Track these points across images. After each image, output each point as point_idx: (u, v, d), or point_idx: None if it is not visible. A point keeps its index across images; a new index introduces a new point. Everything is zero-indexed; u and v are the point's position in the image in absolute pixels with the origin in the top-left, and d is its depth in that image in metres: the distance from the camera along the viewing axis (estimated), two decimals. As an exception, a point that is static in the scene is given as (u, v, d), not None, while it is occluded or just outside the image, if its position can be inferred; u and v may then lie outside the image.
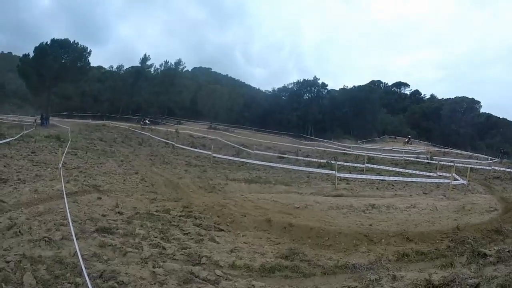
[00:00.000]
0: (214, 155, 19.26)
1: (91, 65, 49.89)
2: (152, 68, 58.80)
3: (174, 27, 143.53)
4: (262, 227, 7.52)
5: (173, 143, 24.91)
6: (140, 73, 57.04)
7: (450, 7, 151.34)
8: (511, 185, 15.54)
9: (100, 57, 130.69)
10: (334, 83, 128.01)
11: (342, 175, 14.33)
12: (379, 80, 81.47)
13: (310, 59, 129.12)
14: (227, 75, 78.62)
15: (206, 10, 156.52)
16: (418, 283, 4.89)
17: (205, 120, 55.07)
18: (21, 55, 45.83)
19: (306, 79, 64.31)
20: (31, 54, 43.42)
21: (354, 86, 67.37)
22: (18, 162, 12.08)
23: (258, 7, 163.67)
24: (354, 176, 14.79)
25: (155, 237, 6.21)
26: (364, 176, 14.92)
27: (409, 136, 51.15)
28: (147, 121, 42.92)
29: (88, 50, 45.94)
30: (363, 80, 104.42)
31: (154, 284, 4.51)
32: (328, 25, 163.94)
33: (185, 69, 62.47)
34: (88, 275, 4.03)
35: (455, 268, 5.55)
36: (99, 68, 62.01)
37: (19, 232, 5.74)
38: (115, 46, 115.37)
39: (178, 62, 59.19)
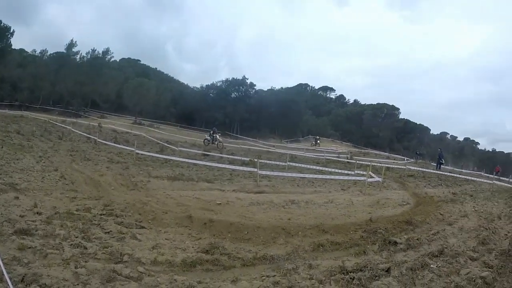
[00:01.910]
0: (138, 151, 18.47)
1: (13, 47, 44.61)
2: (78, 56, 53.92)
3: (107, 13, 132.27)
4: (184, 224, 7.51)
5: (95, 138, 23.50)
6: (64, 60, 51.88)
7: (382, 20, 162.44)
8: (423, 182, 17.06)
9: (25, 40, 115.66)
10: (265, 84, 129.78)
11: (264, 172, 14.49)
12: (307, 84, 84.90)
13: (242, 59, 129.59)
14: (156, 68, 74.93)
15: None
16: (332, 269, 5.17)
17: (130, 115, 52.08)
18: None
19: (235, 78, 64.70)
20: None
21: (281, 88, 69.56)
22: None
23: (196, 2, 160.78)
24: (276, 173, 15.04)
25: (76, 237, 5.92)
26: (285, 174, 15.26)
27: (317, 137, 53.00)
28: (217, 136, 30.98)
29: (11, 31, 41.12)
30: (292, 82, 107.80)
31: (78, 284, 4.35)
32: (262, 27, 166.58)
33: (112, 59, 58.71)
34: (10, 280, 3.80)
35: (367, 255, 5.96)
36: (21, 51, 54.55)
37: None
38: (42, 29, 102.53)
39: (106, 52, 55.30)
